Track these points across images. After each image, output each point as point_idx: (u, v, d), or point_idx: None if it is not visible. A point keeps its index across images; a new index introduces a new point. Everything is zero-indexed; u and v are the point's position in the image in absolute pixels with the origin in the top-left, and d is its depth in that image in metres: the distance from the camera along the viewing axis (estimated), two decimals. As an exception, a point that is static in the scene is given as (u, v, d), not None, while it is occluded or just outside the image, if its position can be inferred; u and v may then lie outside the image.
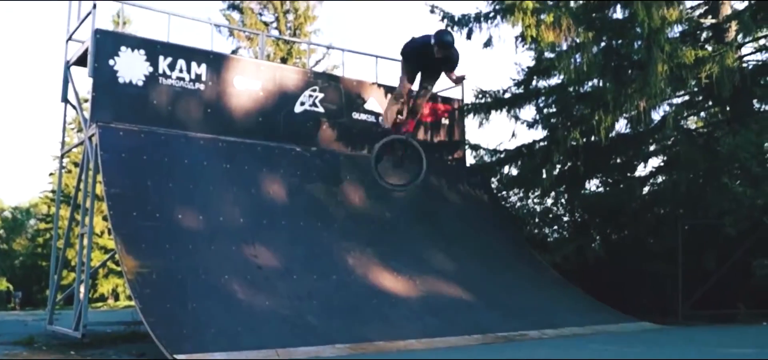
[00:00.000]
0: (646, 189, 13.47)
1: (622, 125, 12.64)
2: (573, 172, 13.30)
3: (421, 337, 7.55)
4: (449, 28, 11.68)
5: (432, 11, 12.19)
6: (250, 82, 9.95)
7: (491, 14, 11.90)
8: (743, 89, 10.88)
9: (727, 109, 12.31)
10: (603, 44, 11.20)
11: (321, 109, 10.54)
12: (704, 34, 12.24)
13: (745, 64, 11.77)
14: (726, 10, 11.71)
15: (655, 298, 11.50)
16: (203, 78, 9.50)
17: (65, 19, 9.93)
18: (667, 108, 12.06)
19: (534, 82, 13.29)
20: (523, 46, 12.06)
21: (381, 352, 6.83)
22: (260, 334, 6.81)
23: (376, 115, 11.17)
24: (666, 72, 10.03)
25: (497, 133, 66.55)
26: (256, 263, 8.04)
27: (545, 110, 13.38)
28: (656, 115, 11.69)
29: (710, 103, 12.80)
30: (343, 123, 10.76)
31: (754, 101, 12.14)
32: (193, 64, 9.45)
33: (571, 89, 12.53)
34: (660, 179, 13.44)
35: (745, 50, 12.04)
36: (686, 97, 12.89)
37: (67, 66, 9.77)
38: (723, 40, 11.37)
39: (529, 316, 8.84)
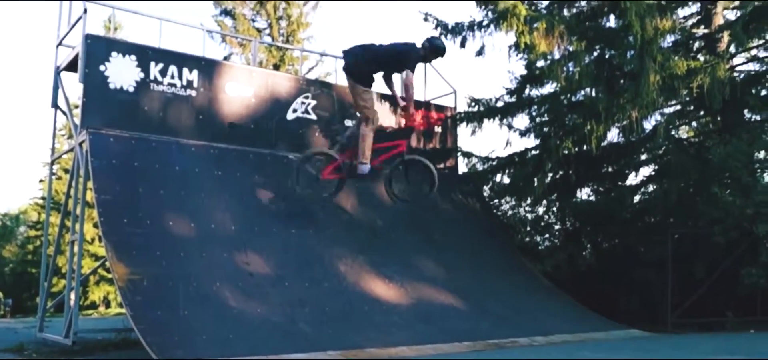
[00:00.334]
0: (637, 198, 13.55)
1: (613, 134, 12.73)
2: (565, 181, 13.35)
3: (413, 344, 7.55)
4: (441, 36, 11.75)
5: (426, 19, 12.27)
6: (242, 89, 9.95)
7: (484, 23, 11.97)
8: (734, 99, 10.94)
9: (718, 118, 12.39)
10: (595, 54, 11.27)
11: (313, 117, 10.55)
12: (696, 44, 12.33)
13: (736, 74, 11.85)
14: (718, 21, 11.79)
15: (645, 306, 11.56)
16: (195, 84, 9.49)
17: (55, 23, 9.91)
18: (659, 118, 12.15)
19: (527, 91, 13.34)
20: (516, 55, 12.14)
21: (373, 358, 6.83)
22: (252, 341, 6.80)
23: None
24: (658, 82, 10.08)
25: (489, 141, 66.68)
26: (247, 270, 8.03)
27: (538, 119, 13.43)
28: (648, 125, 11.78)
29: (702, 112, 12.89)
30: (336, 130, 10.76)
31: (745, 111, 12.24)
32: (185, 71, 9.43)
33: (563, 98, 12.59)
34: (651, 188, 13.53)
35: (736, 60, 12.13)
36: (678, 107, 12.98)
37: (57, 71, 9.74)
38: (715, 50, 11.45)
39: (519, 323, 8.86)
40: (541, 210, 14.36)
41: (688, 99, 12.07)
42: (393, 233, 10.01)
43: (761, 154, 11.62)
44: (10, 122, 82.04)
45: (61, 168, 29.33)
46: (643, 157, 13.50)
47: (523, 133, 13.40)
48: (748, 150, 10.62)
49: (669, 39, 11.21)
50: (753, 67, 12.36)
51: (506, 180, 13.59)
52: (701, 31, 12.00)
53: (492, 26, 11.79)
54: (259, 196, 9.22)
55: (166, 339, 6.41)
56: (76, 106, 10.48)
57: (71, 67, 9.41)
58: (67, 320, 8.32)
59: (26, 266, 34.13)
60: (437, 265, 9.89)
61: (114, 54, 8.89)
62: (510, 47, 11.99)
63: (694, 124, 14.25)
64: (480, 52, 12.29)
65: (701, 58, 11.43)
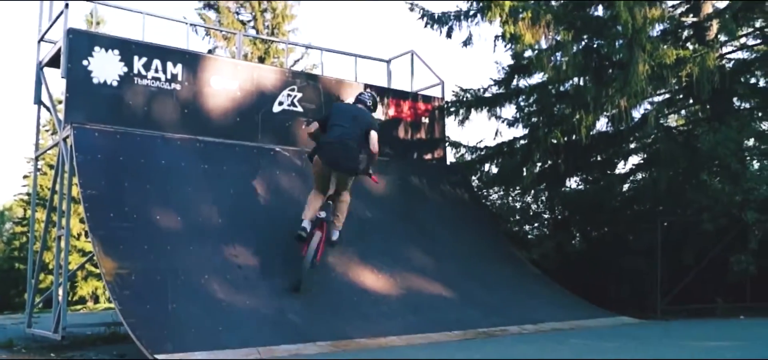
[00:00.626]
0: (626, 186, 13.59)
1: (602, 124, 12.75)
2: (553, 170, 13.36)
3: (402, 334, 7.55)
4: (427, 27, 11.76)
5: (411, 9, 12.21)
6: (227, 82, 9.87)
7: (471, 12, 11.94)
8: (723, 87, 10.95)
9: (708, 107, 12.41)
10: (583, 43, 11.25)
11: (300, 109, 10.49)
12: (685, 33, 12.34)
13: (725, 61, 11.88)
14: (707, 9, 11.76)
15: (634, 294, 11.58)
16: (179, 78, 9.41)
17: (37, 19, 9.77)
18: (648, 106, 12.15)
19: (515, 81, 13.32)
20: (503, 45, 12.10)
21: (362, 349, 6.82)
22: (241, 333, 6.77)
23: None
24: (647, 71, 10.06)
25: (478, 132, 66.81)
26: (236, 263, 7.98)
27: (526, 109, 13.43)
28: (637, 114, 11.79)
29: (690, 101, 12.92)
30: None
31: (734, 99, 12.27)
32: (169, 64, 9.34)
33: (551, 88, 12.58)
34: (640, 177, 13.57)
35: (725, 48, 12.14)
36: (667, 96, 12.99)
37: (40, 67, 9.62)
38: (704, 38, 11.45)
39: (509, 312, 8.86)
40: (529, 199, 14.37)
41: (677, 87, 12.08)
42: (382, 224, 9.98)
43: (750, 142, 11.67)
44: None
45: (45, 163, 29.14)
46: (632, 145, 13.52)
47: (511, 123, 13.40)
48: (737, 137, 10.64)
49: (658, 28, 11.19)
50: (742, 55, 12.41)
51: (495, 170, 13.61)
52: (690, 19, 12.00)
53: (478, 16, 11.77)
54: (246, 189, 9.16)
55: (155, 333, 6.37)
56: (60, 102, 10.41)
57: (54, 62, 9.29)
58: (55, 316, 8.25)
59: (13, 263, 33.84)
60: (426, 254, 9.88)
61: (97, 48, 8.79)
62: (496, 37, 11.94)
63: (683, 112, 14.29)
64: (467, 42, 12.26)
65: (690, 46, 11.43)
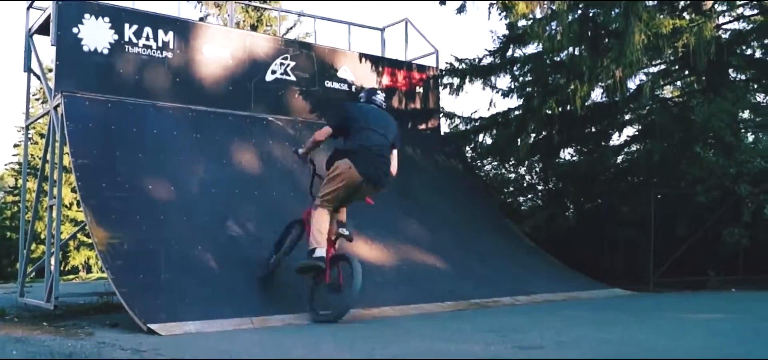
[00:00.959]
0: (620, 158, 13.58)
1: (597, 94, 12.69)
2: (548, 142, 13.32)
3: (395, 305, 7.55)
4: None
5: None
6: (219, 50, 9.78)
7: (464, -22, 11.82)
8: (719, 59, 10.88)
9: (703, 78, 12.36)
10: (579, 12, 11.15)
11: (293, 78, 10.41)
12: (682, 3, 12.23)
13: (721, 32, 11.80)
14: (704, -21, 11.67)
15: (627, 266, 11.64)
16: (171, 46, 9.32)
17: (27, -16, 9.64)
18: (643, 77, 12.08)
19: (510, 51, 13.22)
20: (498, 13, 11.99)
21: (355, 319, 6.80)
22: (235, 303, 6.74)
23: (349, 83, 11.07)
24: (643, 41, 9.98)
25: (472, 102, 66.63)
26: (228, 233, 7.95)
27: (521, 79, 13.35)
28: (632, 84, 11.73)
29: (686, 72, 12.86)
30: (315, 92, 10.64)
31: (730, 71, 12.22)
32: (160, 32, 9.25)
33: (546, 58, 12.50)
34: (634, 148, 13.55)
35: (722, 18, 12.05)
36: (662, 66, 12.92)
37: (29, 34, 9.50)
38: (700, 8, 11.36)
39: (502, 284, 8.87)
40: (523, 171, 14.36)
41: (672, 58, 12.02)
42: (374, 195, 9.92)
43: (745, 114, 11.64)
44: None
45: (36, 132, 28.95)
46: (627, 117, 13.49)
47: (505, 94, 13.33)
48: (731, 109, 10.62)
49: (654, -3, 11.10)
50: (738, 25, 12.33)
51: (489, 141, 13.57)
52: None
53: (472, -18, 11.66)
54: (239, 159, 9.11)
55: (148, 303, 6.35)
56: (50, 70, 10.29)
57: (43, 30, 9.17)
58: (47, 285, 8.23)
59: (5, 232, 33.72)
60: (420, 225, 9.86)
61: (87, 16, 8.70)
62: (490, 6, 11.83)
63: (678, 83, 14.24)
64: (461, 10, 12.15)
65: (687, 16, 11.34)
